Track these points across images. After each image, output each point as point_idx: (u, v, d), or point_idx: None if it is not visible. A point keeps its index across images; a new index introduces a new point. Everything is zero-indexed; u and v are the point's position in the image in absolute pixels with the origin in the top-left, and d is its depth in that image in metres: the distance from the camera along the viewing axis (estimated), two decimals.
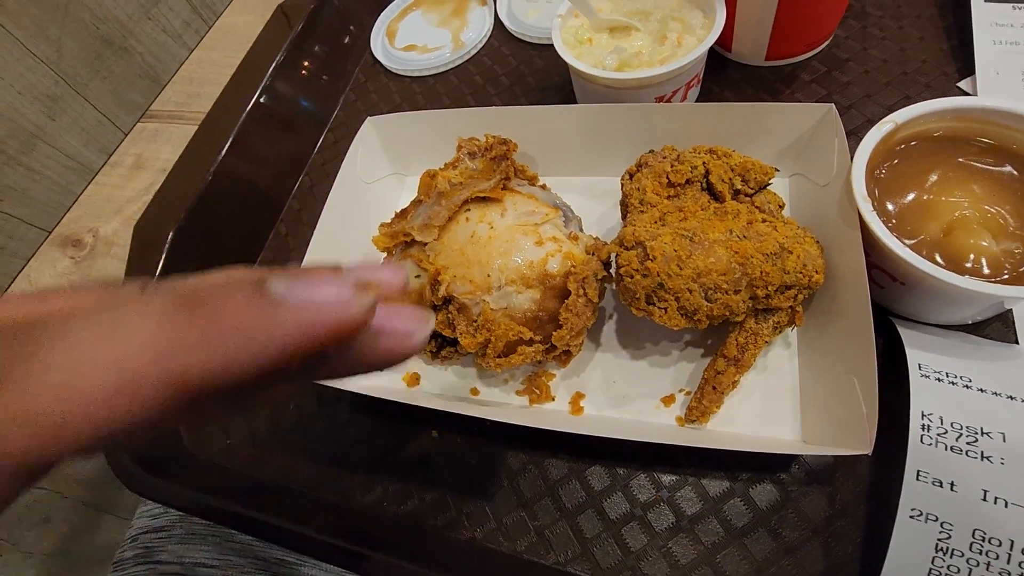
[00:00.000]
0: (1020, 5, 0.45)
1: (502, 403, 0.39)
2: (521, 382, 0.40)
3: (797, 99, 0.47)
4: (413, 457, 0.39)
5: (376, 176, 0.49)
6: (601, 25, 0.47)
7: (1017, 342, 0.34)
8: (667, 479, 0.35)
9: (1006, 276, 0.31)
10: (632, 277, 0.33)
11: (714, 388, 0.34)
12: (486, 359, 0.36)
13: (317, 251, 0.42)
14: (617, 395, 0.38)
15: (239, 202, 0.53)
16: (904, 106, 0.34)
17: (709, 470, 0.35)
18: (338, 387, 0.38)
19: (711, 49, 0.51)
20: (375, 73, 0.62)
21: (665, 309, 0.33)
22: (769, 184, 0.38)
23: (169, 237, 0.48)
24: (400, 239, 0.39)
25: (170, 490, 0.40)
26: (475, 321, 0.36)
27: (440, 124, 0.47)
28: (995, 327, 0.35)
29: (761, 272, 0.32)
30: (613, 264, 0.36)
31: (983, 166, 0.34)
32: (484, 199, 0.38)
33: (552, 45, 0.45)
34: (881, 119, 0.35)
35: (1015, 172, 0.34)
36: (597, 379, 0.39)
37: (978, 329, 0.35)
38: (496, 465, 0.37)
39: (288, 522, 0.37)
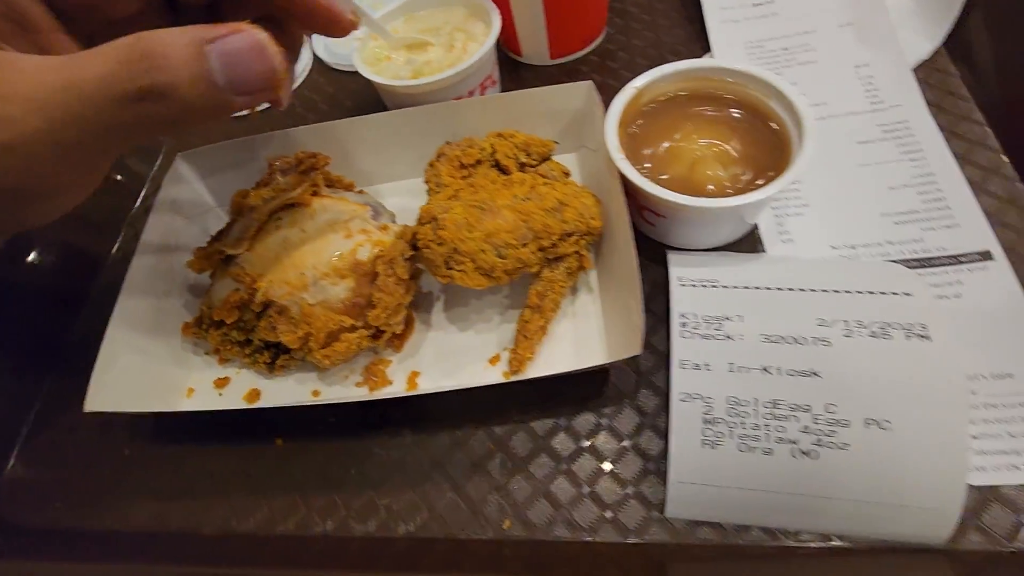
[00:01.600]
0: None
1: (345, 398, 0.40)
2: (359, 374, 0.41)
3: None
4: (260, 472, 0.39)
5: (198, 211, 0.49)
6: (397, 44, 0.52)
7: (765, 251, 0.41)
8: (500, 430, 0.37)
9: (731, 193, 0.37)
10: (429, 248, 0.36)
11: (525, 337, 0.38)
12: (312, 353, 0.37)
13: (137, 287, 0.41)
14: (450, 366, 0.40)
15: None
16: None
17: (535, 415, 0.37)
18: (162, 411, 0.37)
19: (507, 55, 0.57)
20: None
21: (464, 271, 0.36)
22: (551, 156, 0.43)
23: None
24: (215, 258, 0.40)
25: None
26: (294, 319, 0.37)
27: (255, 150, 0.49)
28: (748, 243, 0.42)
29: (543, 224, 0.37)
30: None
31: (713, 113, 0.41)
32: (294, 207, 0.40)
33: (347, 71, 0.48)
34: None
35: (737, 113, 0.41)
36: (430, 356, 0.41)
37: (737, 247, 0.42)
38: (341, 455, 0.38)
39: (126, 564, 0.35)
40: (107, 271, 0.52)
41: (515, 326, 0.41)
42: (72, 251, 0.51)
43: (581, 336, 0.39)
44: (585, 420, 0.37)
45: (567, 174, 0.43)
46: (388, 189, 0.50)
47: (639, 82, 0.41)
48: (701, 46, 0.54)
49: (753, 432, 0.30)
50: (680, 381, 0.32)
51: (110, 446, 0.41)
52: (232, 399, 0.41)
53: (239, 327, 0.39)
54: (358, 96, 0.59)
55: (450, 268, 0.36)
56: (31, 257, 0.48)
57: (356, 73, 0.61)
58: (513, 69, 0.56)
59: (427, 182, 0.41)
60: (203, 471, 0.39)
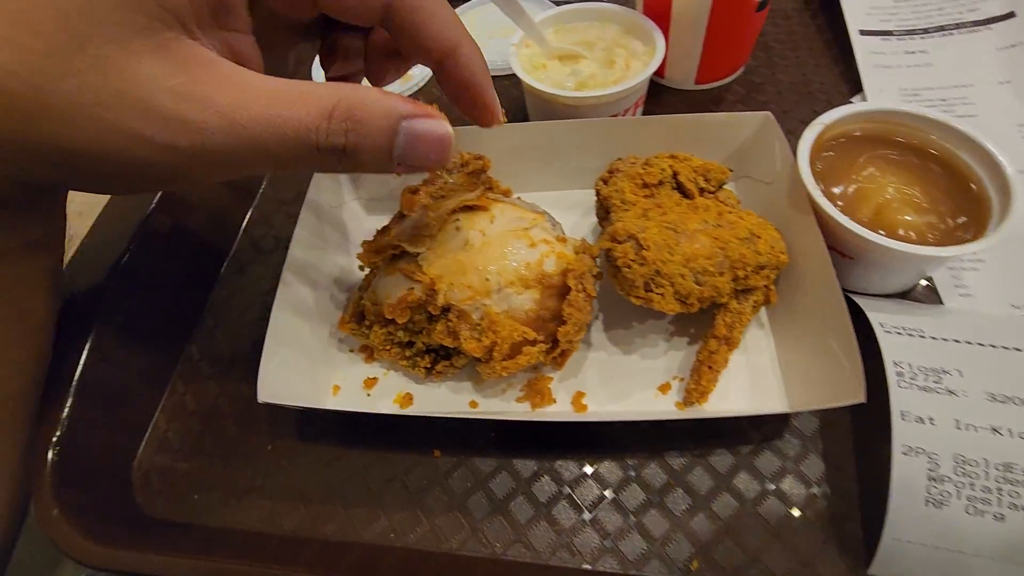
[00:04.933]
0: (888, 37, 0.55)
1: (504, 412, 0.39)
2: (520, 389, 0.39)
3: None
4: (416, 482, 0.37)
5: (341, 201, 0.48)
6: (551, 53, 0.51)
7: (942, 303, 0.40)
8: (677, 462, 0.36)
9: (932, 241, 0.36)
10: (630, 267, 0.35)
11: (709, 368, 0.36)
12: (491, 364, 0.35)
13: (291, 277, 0.40)
14: (616, 390, 0.39)
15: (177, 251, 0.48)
16: (814, 119, 0.40)
17: (714, 449, 0.36)
18: (327, 408, 0.35)
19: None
20: None
21: (662, 295, 0.35)
22: (726, 183, 0.42)
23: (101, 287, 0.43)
24: (388, 252, 0.38)
25: (126, 559, 0.34)
26: (478, 325, 0.35)
27: None
28: (922, 294, 0.41)
29: (739, 254, 0.36)
30: (603, 261, 0.38)
31: (897, 158, 0.41)
32: (470, 208, 0.39)
33: (497, 76, 0.48)
34: (798, 129, 0.40)
35: (916, 160, 0.40)
36: (594, 377, 0.39)
37: (909, 296, 0.41)
38: (505, 475, 0.36)
39: (274, 568, 0.33)
40: (233, 256, 0.50)
41: (683, 354, 0.40)
42: (205, 226, 0.49)
43: (755, 372, 0.38)
44: (768, 461, 0.35)
45: (738, 202, 0.42)
46: (529, 199, 0.49)
47: (827, 118, 0.41)
48: (850, 88, 0.54)
49: (983, 495, 0.29)
50: (902, 434, 0.30)
51: (251, 438, 0.39)
52: (383, 401, 0.40)
53: (406, 328, 0.38)
54: None
55: (648, 290, 0.35)
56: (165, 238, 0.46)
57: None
58: (654, 91, 0.56)
59: (606, 197, 0.40)
60: (355, 476, 0.37)
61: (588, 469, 0.36)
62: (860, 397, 0.31)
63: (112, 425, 0.39)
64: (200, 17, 0.23)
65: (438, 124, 0.25)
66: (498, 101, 0.31)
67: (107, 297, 0.41)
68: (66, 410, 0.37)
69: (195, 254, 0.49)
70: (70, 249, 0.51)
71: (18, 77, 0.20)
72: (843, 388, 0.32)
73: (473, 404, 0.39)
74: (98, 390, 0.39)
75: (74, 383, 0.38)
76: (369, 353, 0.42)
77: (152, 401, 0.42)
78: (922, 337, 0.34)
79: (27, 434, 0.35)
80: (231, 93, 0.22)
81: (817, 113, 0.51)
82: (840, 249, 0.38)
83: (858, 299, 0.38)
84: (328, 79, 0.33)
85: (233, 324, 0.45)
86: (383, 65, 0.32)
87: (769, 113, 0.43)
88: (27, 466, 0.35)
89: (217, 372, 0.43)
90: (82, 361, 0.39)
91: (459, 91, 0.30)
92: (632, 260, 0.35)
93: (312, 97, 0.23)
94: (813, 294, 0.36)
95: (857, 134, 0.42)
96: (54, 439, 0.36)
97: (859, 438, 0.36)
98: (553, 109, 0.49)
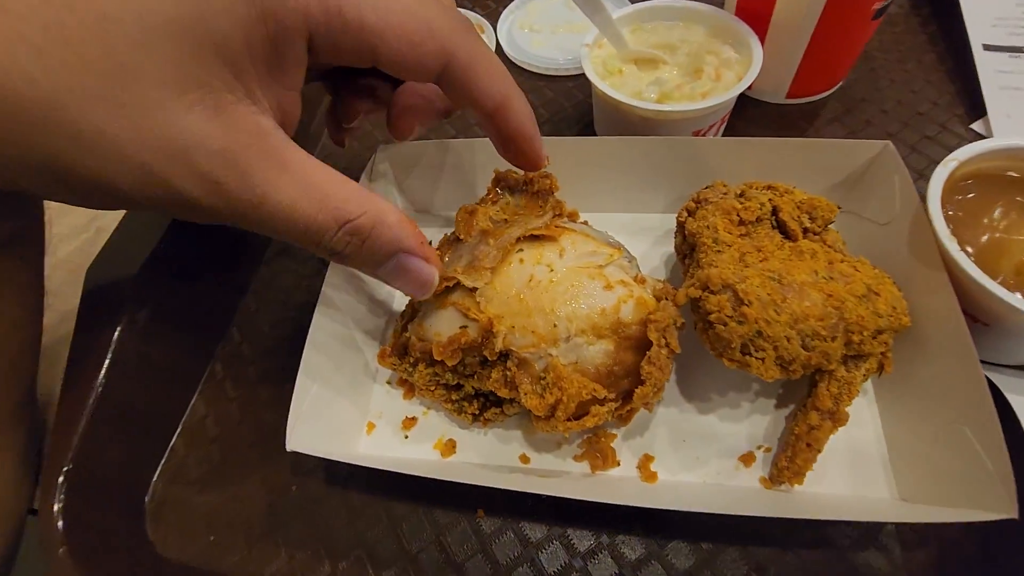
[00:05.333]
0: (1017, 54, 0.47)
1: (559, 472, 0.34)
2: (578, 445, 0.35)
3: (822, 136, 0.47)
4: (456, 545, 0.32)
5: None
6: (628, 56, 0.45)
7: None
8: (760, 553, 0.31)
9: None
10: (726, 325, 0.29)
11: (808, 445, 0.31)
12: (551, 422, 0.31)
13: (332, 287, 0.36)
14: (690, 456, 0.34)
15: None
16: (926, 146, 0.35)
17: (806, 539, 0.31)
18: (355, 464, 0.31)
19: None
20: None
21: (763, 359, 0.29)
22: (832, 221, 0.36)
23: (126, 284, 0.39)
24: (441, 285, 0.33)
25: None
26: (543, 379, 0.31)
27: (454, 155, 0.43)
28: None
29: (856, 316, 0.30)
30: (689, 311, 0.33)
31: None
32: (535, 238, 0.34)
33: (561, 76, 0.42)
34: (906, 158, 0.34)
35: None
36: (664, 438, 0.34)
37: None
38: (558, 549, 0.32)
39: None
40: (265, 263, 0.46)
41: (769, 419, 0.34)
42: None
43: (856, 449, 0.33)
44: (872, 559, 0.30)
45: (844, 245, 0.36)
46: (593, 222, 0.44)
47: (962, 154, 0.34)
48: (966, 109, 0.47)
49: None
50: None
51: (275, 475, 0.36)
52: (422, 446, 0.35)
53: (455, 369, 0.33)
54: (554, 106, 0.52)
55: (746, 353, 0.29)
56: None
57: (548, 77, 0.55)
58: (738, 103, 0.49)
59: (693, 233, 0.34)
60: (388, 532, 0.33)
61: (655, 549, 0.31)
62: (1011, 511, 0.25)
63: (127, 448, 0.36)
64: (260, 76, 0.23)
65: (427, 269, 0.29)
66: (543, 148, 0.32)
67: (128, 304, 0.38)
68: (80, 429, 0.34)
69: (224, 259, 0.45)
70: (97, 243, 0.48)
71: (37, 85, 0.19)
72: (983, 494, 0.26)
73: (524, 459, 0.34)
74: (116, 407, 0.35)
75: (90, 401, 0.34)
76: (409, 388, 0.38)
77: (170, 423, 0.38)
78: None
79: (10, 442, 0.33)
80: (270, 173, 0.23)
81: (930, 141, 0.45)
82: (971, 312, 0.32)
83: (992, 375, 0.32)
84: (340, 128, 0.35)
85: (262, 340, 0.41)
86: (409, 121, 0.33)
87: (889, 143, 0.36)
88: (19, 482, 0.33)
89: (242, 394, 0.39)
90: (102, 374, 0.35)
91: (507, 142, 0.31)
92: (729, 317, 0.29)
93: (337, 202, 0.24)
94: (939, 367, 0.31)
95: (992, 174, 0.36)
96: (65, 462, 0.33)
97: (994, 545, 0.30)
98: (627, 121, 0.43)
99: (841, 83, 0.50)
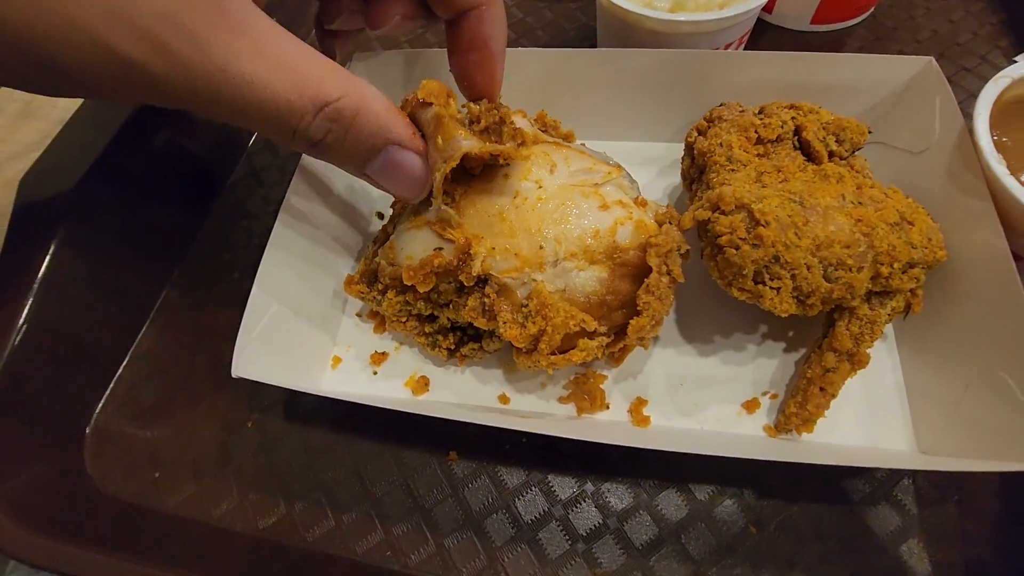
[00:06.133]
0: None
1: (542, 413, 0.31)
2: (564, 386, 0.31)
3: None
4: (424, 489, 0.29)
5: None
6: None
7: None
8: (761, 506, 0.28)
9: None
10: (738, 248, 0.25)
11: (822, 389, 0.28)
12: (534, 356, 0.27)
13: (297, 195, 0.32)
14: (687, 401, 0.30)
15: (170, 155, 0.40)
16: (963, 78, 0.31)
17: (809, 489, 0.28)
18: (318, 394, 0.28)
19: None
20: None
21: (778, 289, 0.26)
22: (861, 147, 0.32)
23: (65, 199, 0.35)
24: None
25: (61, 552, 0.28)
26: (525, 307, 0.27)
27: (431, 66, 0.38)
28: None
29: (888, 245, 0.26)
30: (696, 235, 0.29)
31: None
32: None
33: None
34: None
35: None
36: (659, 381, 0.31)
37: None
38: (536, 496, 0.29)
39: None
40: (231, 186, 0.42)
41: (777, 363, 0.31)
42: (201, 145, 0.41)
43: (873, 396, 0.30)
44: (886, 515, 0.27)
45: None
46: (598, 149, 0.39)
47: (1015, 72, 0.30)
48: (1012, 43, 0.42)
49: None
50: None
51: (230, 411, 0.32)
52: (391, 382, 0.32)
53: (428, 298, 0.29)
54: (554, 28, 0.47)
55: (759, 282, 0.26)
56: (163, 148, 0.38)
57: None
58: (758, 30, 0.44)
59: (704, 152, 0.30)
60: (350, 474, 0.30)
61: (644, 499, 0.28)
62: None
63: (68, 377, 0.33)
64: None
65: (421, 164, 0.25)
66: (501, 83, 0.29)
67: (70, 215, 0.34)
68: (6, 353, 0.30)
69: (187, 176, 0.41)
70: (29, 155, 0.43)
71: None
72: (1019, 443, 0.23)
73: (503, 398, 0.31)
74: (51, 333, 0.32)
75: (19, 323, 0.31)
76: (380, 321, 0.34)
77: (118, 352, 0.35)
78: None
79: None
80: (225, 36, 0.20)
81: (969, 73, 0.40)
82: (1016, 250, 0.28)
83: None
84: (326, 29, 0.31)
85: (223, 268, 0.38)
86: (386, 10, 0.29)
87: (932, 59, 0.32)
88: None
89: (198, 324, 0.36)
90: (31, 295, 0.31)
91: (470, 50, 0.27)
92: (742, 240, 0.25)
93: (313, 81, 0.21)
94: (978, 306, 0.27)
95: None
96: None
97: (1010, 503, 0.27)
98: (634, 35, 0.38)
99: (872, 10, 0.45)
